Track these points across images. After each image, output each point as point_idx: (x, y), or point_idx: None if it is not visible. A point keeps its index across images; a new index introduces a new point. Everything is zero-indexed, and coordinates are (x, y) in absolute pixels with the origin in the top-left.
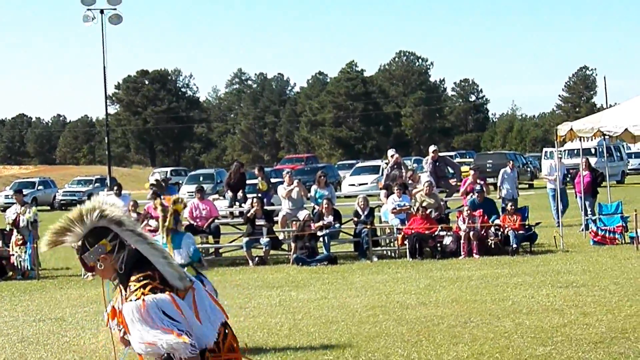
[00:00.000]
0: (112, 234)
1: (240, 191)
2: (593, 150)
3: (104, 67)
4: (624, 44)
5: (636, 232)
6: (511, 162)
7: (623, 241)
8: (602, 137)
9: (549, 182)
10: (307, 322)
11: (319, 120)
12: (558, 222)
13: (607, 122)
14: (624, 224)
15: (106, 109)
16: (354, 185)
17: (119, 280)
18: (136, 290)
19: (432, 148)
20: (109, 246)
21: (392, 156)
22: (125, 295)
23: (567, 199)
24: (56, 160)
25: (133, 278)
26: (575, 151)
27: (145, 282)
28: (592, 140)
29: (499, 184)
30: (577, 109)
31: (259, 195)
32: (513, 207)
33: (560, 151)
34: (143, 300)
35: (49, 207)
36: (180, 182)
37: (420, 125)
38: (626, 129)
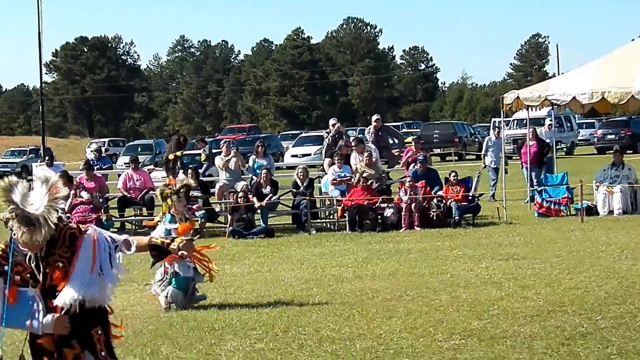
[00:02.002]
0: None
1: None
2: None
3: (39, 33)
4: (577, 12)
5: (581, 204)
6: (497, 129)
7: (568, 213)
8: (551, 106)
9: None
10: (239, 296)
11: (264, 89)
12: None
13: (555, 90)
14: (569, 196)
15: (40, 77)
16: (297, 156)
17: None
18: None
19: (374, 117)
20: None
21: (333, 125)
22: None
23: (553, 168)
24: None
25: None
26: (524, 121)
27: None
28: (540, 109)
29: (483, 152)
30: (529, 78)
31: (195, 166)
32: (455, 178)
33: (508, 121)
34: None
35: None
36: (118, 153)
37: (367, 95)
38: (574, 98)
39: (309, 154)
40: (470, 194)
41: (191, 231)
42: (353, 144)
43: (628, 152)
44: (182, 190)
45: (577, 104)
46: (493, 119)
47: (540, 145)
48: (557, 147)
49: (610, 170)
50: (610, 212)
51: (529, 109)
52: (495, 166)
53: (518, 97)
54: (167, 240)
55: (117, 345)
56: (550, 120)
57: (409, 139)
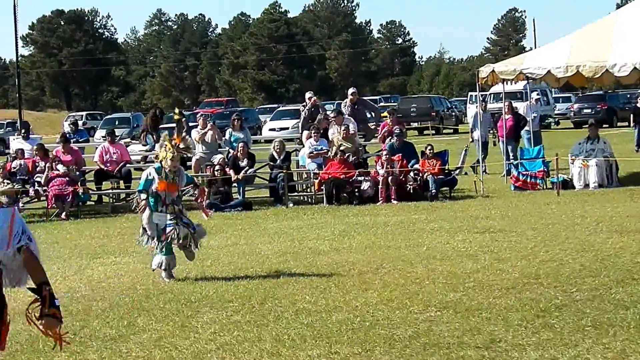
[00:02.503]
0: None
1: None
2: (519, 95)
3: (15, 5)
4: None
5: (557, 178)
6: (484, 103)
7: (544, 186)
8: (526, 80)
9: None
10: (215, 269)
11: (241, 63)
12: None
13: (530, 64)
14: (545, 169)
15: (16, 50)
16: (274, 129)
17: None
18: None
19: (350, 91)
20: None
21: (309, 98)
22: None
23: (540, 142)
24: None
25: None
26: (501, 95)
27: None
28: (516, 83)
29: (470, 126)
30: (506, 52)
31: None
32: (431, 151)
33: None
34: None
35: None
36: (96, 126)
37: (345, 69)
38: (549, 71)
39: (287, 128)
40: (458, 165)
41: (176, 192)
42: (332, 115)
43: (604, 126)
44: (182, 150)
45: (552, 78)
46: (470, 93)
47: (517, 119)
48: (546, 121)
49: (586, 144)
50: (586, 185)
51: (505, 83)
52: (484, 140)
53: (493, 71)
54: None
55: (93, 318)
56: (538, 94)
57: (385, 113)
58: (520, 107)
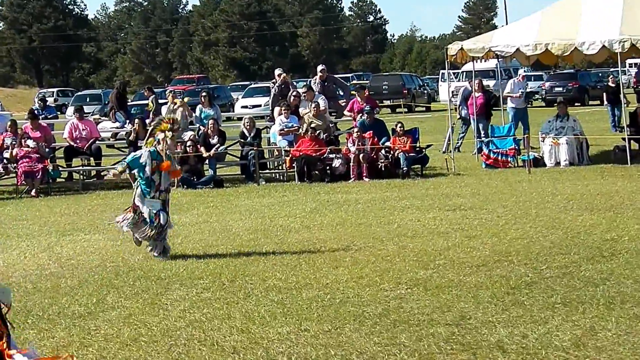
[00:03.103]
0: None
1: (122, 112)
2: (491, 73)
3: None
4: None
5: (528, 155)
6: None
7: (515, 164)
8: (497, 58)
9: (511, 100)
10: (186, 246)
11: (213, 40)
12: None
13: (499, 41)
14: (516, 147)
15: None
16: (247, 107)
17: None
18: None
19: (319, 68)
20: None
21: (279, 75)
22: None
23: (527, 120)
24: None
25: None
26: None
27: None
28: (486, 61)
29: (458, 103)
30: (477, 31)
31: (142, 116)
32: (402, 129)
33: (457, 73)
34: None
35: None
36: (67, 103)
37: (317, 46)
38: (518, 49)
39: (259, 105)
40: (417, 145)
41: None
42: (302, 90)
43: (576, 104)
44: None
45: (522, 56)
46: (442, 71)
47: (487, 96)
48: (534, 98)
49: (556, 122)
50: (557, 163)
51: (475, 60)
52: (467, 117)
53: (462, 49)
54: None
55: (62, 295)
56: (525, 70)
57: (353, 91)
58: (509, 83)
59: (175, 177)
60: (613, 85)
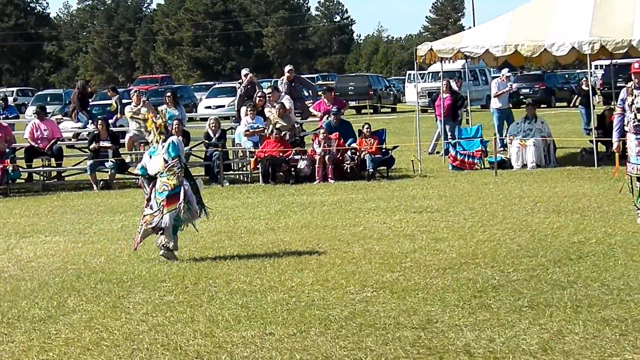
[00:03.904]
0: None
1: (84, 112)
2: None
3: None
4: None
5: (495, 157)
6: (459, 80)
7: (482, 166)
8: (465, 59)
9: (497, 101)
10: (148, 248)
11: (177, 39)
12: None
13: (468, 42)
14: (483, 149)
15: None
16: (210, 107)
17: None
18: None
19: (287, 68)
20: None
21: (245, 75)
22: None
23: (512, 120)
24: None
25: None
26: (439, 74)
27: None
28: (454, 62)
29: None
30: (444, 31)
31: (105, 116)
32: (369, 130)
33: (423, 74)
34: None
35: None
36: (27, 102)
37: (282, 46)
38: (487, 50)
39: (223, 106)
40: (383, 146)
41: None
42: (267, 91)
43: (542, 106)
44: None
45: (491, 57)
46: (408, 72)
47: (454, 98)
48: (523, 98)
49: (523, 123)
50: (524, 165)
51: (443, 61)
52: (460, 118)
53: (431, 50)
54: None
55: (21, 298)
56: (509, 71)
57: (320, 92)
58: (493, 84)
59: None
60: (586, 88)
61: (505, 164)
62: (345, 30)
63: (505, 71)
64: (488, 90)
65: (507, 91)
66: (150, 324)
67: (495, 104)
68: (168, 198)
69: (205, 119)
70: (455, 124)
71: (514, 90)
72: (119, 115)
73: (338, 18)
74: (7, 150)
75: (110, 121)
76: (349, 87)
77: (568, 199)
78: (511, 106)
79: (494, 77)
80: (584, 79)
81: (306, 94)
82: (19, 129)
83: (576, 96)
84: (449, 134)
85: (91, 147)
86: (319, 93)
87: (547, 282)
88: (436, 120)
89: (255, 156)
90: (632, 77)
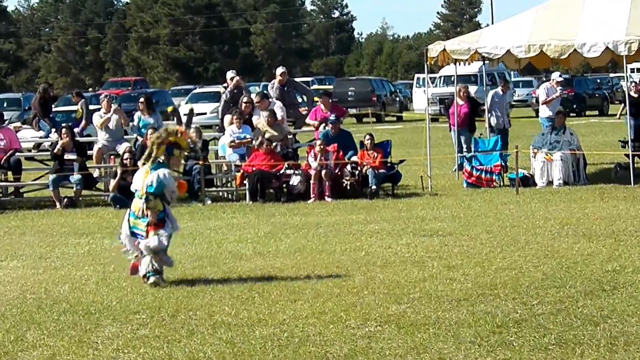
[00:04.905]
0: None
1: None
2: (473, 78)
3: None
4: None
5: (516, 173)
6: (503, 82)
7: (502, 183)
8: (482, 61)
9: (548, 108)
10: (120, 275)
11: (152, 37)
12: None
13: (487, 42)
14: (503, 163)
15: None
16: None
17: None
18: None
19: (279, 70)
20: None
21: (231, 79)
22: None
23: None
24: None
25: None
26: (453, 78)
27: None
28: (469, 64)
29: (487, 108)
30: (459, 29)
31: (70, 124)
32: (370, 141)
33: (433, 77)
34: None
35: None
36: None
37: (272, 46)
38: (508, 51)
39: (204, 113)
40: (389, 160)
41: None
42: (255, 99)
43: (571, 115)
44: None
45: (512, 59)
46: (417, 75)
47: (472, 105)
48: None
49: (550, 134)
50: (550, 182)
51: (457, 64)
52: (502, 127)
53: (445, 50)
54: None
55: None
56: (560, 75)
57: (317, 98)
58: (541, 90)
59: (183, 191)
60: (636, 95)
61: (528, 181)
62: (344, 28)
63: (556, 75)
64: (509, 96)
65: (557, 97)
66: None
67: (544, 112)
68: (150, 225)
69: None
70: (471, 136)
71: (564, 96)
72: (84, 123)
73: (337, 14)
74: None
75: (76, 130)
76: (349, 93)
77: (600, 222)
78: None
79: (541, 82)
80: (633, 84)
81: (300, 100)
82: None
83: (622, 105)
84: (464, 146)
85: (54, 158)
86: (315, 99)
87: (577, 317)
88: (450, 131)
89: (241, 170)
90: None
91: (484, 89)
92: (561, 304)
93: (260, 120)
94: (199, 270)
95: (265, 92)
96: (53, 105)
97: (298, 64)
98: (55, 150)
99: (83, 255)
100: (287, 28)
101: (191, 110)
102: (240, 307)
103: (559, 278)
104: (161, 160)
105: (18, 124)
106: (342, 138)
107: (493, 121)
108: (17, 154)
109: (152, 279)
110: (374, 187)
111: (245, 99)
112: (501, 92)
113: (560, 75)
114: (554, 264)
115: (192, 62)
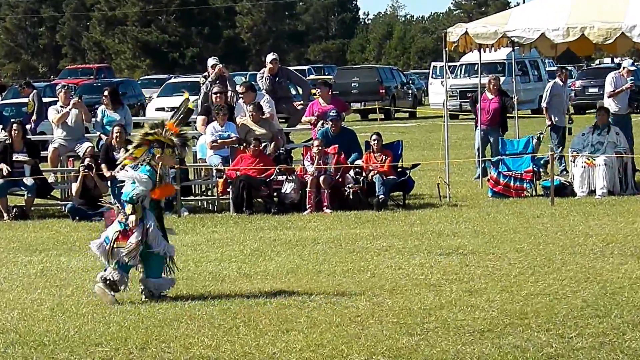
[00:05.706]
0: None
1: None
2: (499, 67)
3: None
4: None
5: (552, 181)
6: (563, 72)
7: (534, 192)
8: (512, 46)
9: (615, 103)
10: (79, 299)
11: (118, 16)
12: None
13: (517, 24)
14: (535, 169)
15: None
16: (163, 109)
17: None
18: None
19: (270, 57)
20: None
21: (213, 67)
22: None
23: (631, 131)
24: None
25: None
26: (476, 67)
27: None
28: (496, 50)
29: (544, 104)
30: (483, 9)
31: (20, 119)
32: (378, 142)
33: (453, 66)
34: None
35: None
36: None
37: (262, 28)
38: (542, 35)
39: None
40: (399, 164)
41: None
42: (240, 90)
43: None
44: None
45: (547, 44)
46: (433, 64)
47: (503, 100)
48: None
49: (592, 135)
50: (591, 192)
51: (482, 50)
52: (562, 125)
53: (467, 33)
54: None
55: None
56: (633, 64)
57: (314, 89)
58: (608, 80)
59: (169, 195)
60: None
61: (565, 190)
62: (347, 7)
63: (627, 63)
64: (541, 89)
65: (626, 89)
66: None
67: (611, 106)
68: (122, 233)
69: None
70: (501, 136)
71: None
72: (35, 117)
73: None
74: None
75: (28, 127)
76: (353, 84)
77: None
78: (630, 111)
79: (610, 70)
80: None
81: (294, 92)
82: None
83: None
84: (492, 148)
85: (1, 160)
86: (312, 91)
87: (623, 352)
88: (475, 129)
89: (224, 176)
90: None
91: (513, 80)
92: (604, 337)
93: (244, 118)
94: (174, 294)
95: (252, 82)
96: (0, 97)
97: (292, 50)
98: (1, 150)
99: (35, 275)
100: (278, 7)
101: (186, 100)
102: (222, 338)
103: (602, 306)
104: (146, 161)
105: None
106: (343, 138)
107: (554, 119)
108: None
109: (97, 288)
110: (381, 196)
111: (215, 89)
112: (561, 83)
113: (633, 64)
114: (596, 288)
115: (166, 47)
